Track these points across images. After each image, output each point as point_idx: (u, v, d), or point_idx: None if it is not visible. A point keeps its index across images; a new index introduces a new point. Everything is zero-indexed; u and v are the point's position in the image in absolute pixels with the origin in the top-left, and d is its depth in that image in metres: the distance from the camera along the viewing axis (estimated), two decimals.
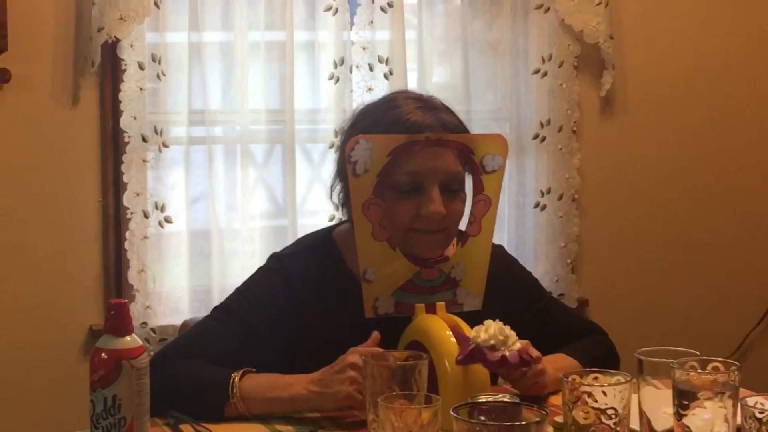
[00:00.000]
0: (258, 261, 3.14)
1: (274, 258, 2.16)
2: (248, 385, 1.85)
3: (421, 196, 1.91)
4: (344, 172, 1.92)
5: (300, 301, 2.05)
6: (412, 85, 3.26)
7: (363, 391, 1.64)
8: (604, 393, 1.46)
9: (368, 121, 2.01)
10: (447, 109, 2.06)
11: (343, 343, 1.90)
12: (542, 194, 3.39)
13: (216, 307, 2.12)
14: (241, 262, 3.16)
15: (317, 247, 2.16)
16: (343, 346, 1.90)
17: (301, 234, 2.88)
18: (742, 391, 1.49)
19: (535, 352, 1.81)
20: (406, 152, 1.89)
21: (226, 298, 2.11)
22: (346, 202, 2.04)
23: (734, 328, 3.57)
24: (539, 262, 3.38)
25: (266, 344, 2.03)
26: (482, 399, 1.57)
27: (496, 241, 2.02)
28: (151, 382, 1.62)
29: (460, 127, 2.02)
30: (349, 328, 1.97)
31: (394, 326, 1.86)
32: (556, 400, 1.56)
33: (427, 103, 2.03)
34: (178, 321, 2.66)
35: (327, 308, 2.06)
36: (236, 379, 1.85)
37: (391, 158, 1.86)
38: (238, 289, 2.12)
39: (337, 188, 2.06)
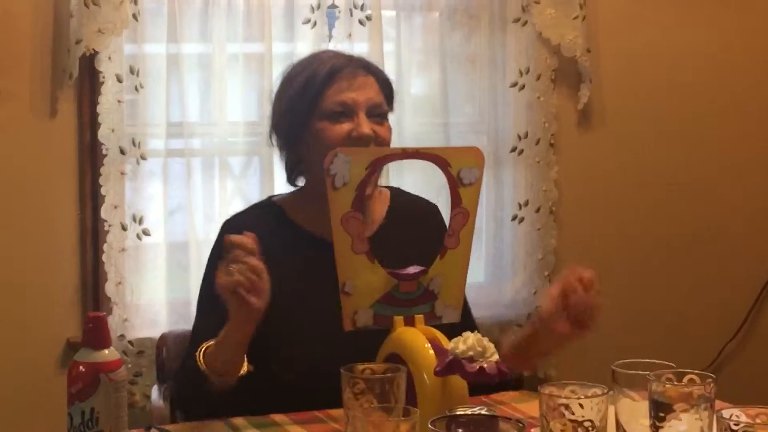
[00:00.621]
0: None
1: (222, 223, 2.33)
2: (207, 357, 1.98)
3: (351, 122, 2.14)
4: (285, 139, 2.26)
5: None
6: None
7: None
8: (581, 405, 1.47)
9: (286, 80, 2.30)
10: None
11: (293, 286, 2.12)
12: (520, 207, 3.40)
13: (198, 301, 2.27)
14: None
15: (259, 205, 2.40)
16: (293, 290, 2.12)
17: None
18: (718, 404, 1.50)
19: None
20: (337, 88, 2.18)
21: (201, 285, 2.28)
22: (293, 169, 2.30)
23: (710, 341, 3.59)
24: (517, 275, 3.39)
25: None
26: (460, 411, 1.57)
27: (473, 254, 2.04)
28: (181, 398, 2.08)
29: (379, 70, 2.33)
30: (297, 272, 2.17)
31: (373, 339, 1.87)
32: (532, 411, 1.56)
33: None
34: (156, 334, 2.65)
35: (274, 254, 2.05)
36: (199, 358, 1.98)
37: (368, 170, 1.87)
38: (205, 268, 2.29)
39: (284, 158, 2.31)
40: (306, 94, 2.19)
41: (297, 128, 2.21)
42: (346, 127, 2.15)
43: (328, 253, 2.04)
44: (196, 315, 2.27)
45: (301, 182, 2.30)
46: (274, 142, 2.30)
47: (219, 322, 2.02)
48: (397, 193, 2.38)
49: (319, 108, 2.17)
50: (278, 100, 2.30)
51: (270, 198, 2.40)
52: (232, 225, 2.26)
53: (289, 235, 2.25)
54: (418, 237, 2.23)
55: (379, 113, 2.21)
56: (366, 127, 2.15)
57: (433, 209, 2.40)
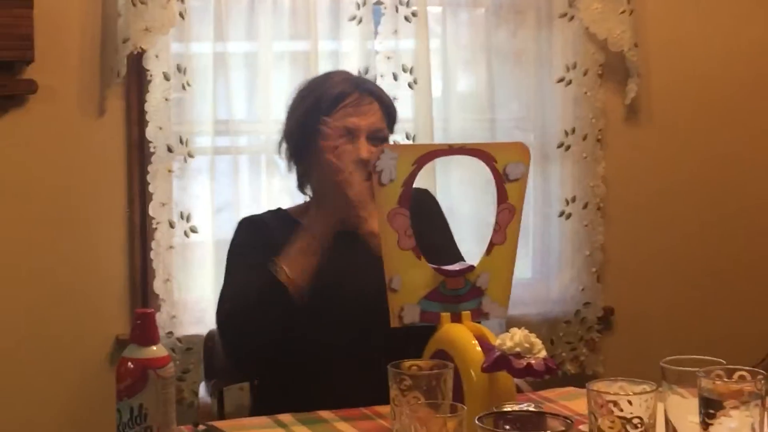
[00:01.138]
0: None
1: (239, 221, 2.55)
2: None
3: (352, 144, 2.27)
4: (293, 151, 2.41)
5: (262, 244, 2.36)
6: (437, 94, 3.27)
7: None
8: (630, 402, 1.46)
9: (298, 97, 2.43)
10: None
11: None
12: (567, 203, 3.39)
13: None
14: None
15: (270, 211, 2.55)
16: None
17: None
18: None
19: None
20: (342, 113, 2.31)
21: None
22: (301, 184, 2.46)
23: (761, 337, 3.56)
24: (564, 271, 3.38)
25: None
26: (507, 408, 1.57)
27: (520, 251, 2.04)
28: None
29: (384, 96, 2.43)
30: None
31: (420, 335, 1.88)
32: (580, 408, 1.55)
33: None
34: (203, 330, 2.66)
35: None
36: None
37: (415, 167, 1.87)
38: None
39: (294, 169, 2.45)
40: (314, 115, 2.30)
41: (305, 144, 2.35)
42: (348, 149, 2.27)
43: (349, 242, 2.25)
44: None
45: (309, 191, 2.44)
46: (283, 151, 2.44)
47: None
48: None
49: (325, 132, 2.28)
50: (290, 114, 2.43)
51: (279, 209, 2.52)
52: (250, 220, 2.52)
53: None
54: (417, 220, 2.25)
55: (380, 137, 2.32)
56: (365, 151, 2.27)
57: (423, 196, 2.48)
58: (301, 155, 2.41)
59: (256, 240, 2.43)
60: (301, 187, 2.46)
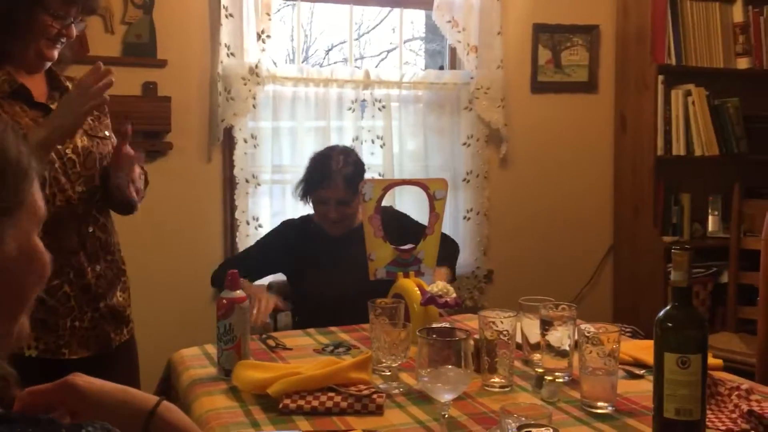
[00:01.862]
0: None
1: (282, 222, 2.59)
2: None
3: (327, 207, 2.33)
4: (307, 185, 2.40)
5: (289, 235, 2.45)
6: (396, 151, 3.26)
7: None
8: (501, 322, 1.47)
9: (312, 159, 2.45)
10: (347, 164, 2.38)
11: (311, 258, 2.36)
12: (468, 212, 3.39)
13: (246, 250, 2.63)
14: None
15: (301, 216, 2.55)
16: (311, 261, 2.36)
17: None
18: (579, 321, 1.50)
19: None
20: (323, 189, 2.32)
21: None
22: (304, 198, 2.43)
23: (575, 284, 3.58)
24: (466, 250, 3.38)
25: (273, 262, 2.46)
26: (434, 325, 1.58)
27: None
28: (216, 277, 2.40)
29: (355, 171, 2.37)
30: (319, 253, 2.36)
31: (386, 285, 1.88)
32: (475, 326, 1.56)
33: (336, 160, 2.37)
34: (264, 282, 2.65)
35: (307, 243, 2.39)
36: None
37: (383, 191, 1.87)
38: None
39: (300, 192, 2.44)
40: (309, 182, 2.38)
41: (306, 196, 2.41)
42: (323, 209, 2.34)
43: (339, 244, 2.34)
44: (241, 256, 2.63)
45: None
46: (297, 190, 2.44)
47: (250, 260, 2.43)
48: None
49: (313, 196, 2.37)
50: (305, 171, 2.43)
51: (309, 215, 2.49)
52: (287, 223, 2.55)
53: (315, 232, 2.40)
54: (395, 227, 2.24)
55: (344, 202, 2.31)
56: (332, 213, 2.31)
57: (389, 211, 2.42)
58: (306, 199, 2.43)
59: (282, 234, 2.47)
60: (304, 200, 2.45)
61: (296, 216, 2.61)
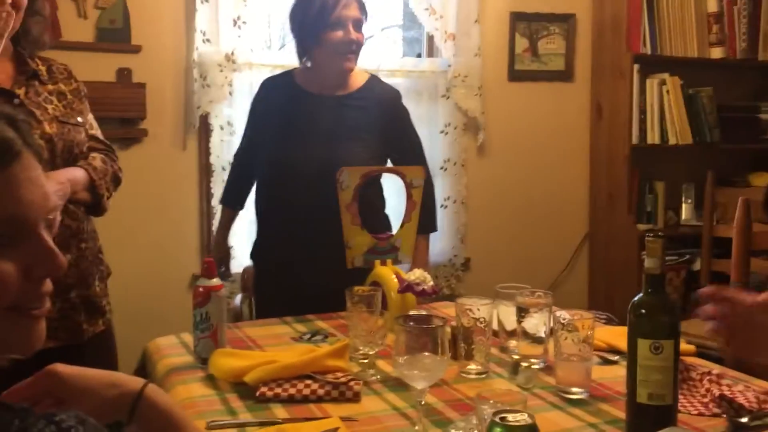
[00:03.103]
0: None
1: (262, 81, 2.29)
2: None
3: (344, 30, 2.06)
4: (308, 26, 2.07)
5: (265, 100, 2.21)
6: None
7: None
8: (478, 309, 1.48)
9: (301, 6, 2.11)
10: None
11: (290, 132, 2.09)
12: (445, 200, 3.40)
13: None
14: None
15: (283, 72, 2.29)
16: (289, 136, 2.08)
17: None
18: (554, 308, 1.51)
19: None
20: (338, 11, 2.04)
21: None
22: (299, 52, 2.14)
23: (551, 271, 3.61)
24: (443, 238, 3.39)
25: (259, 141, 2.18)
26: (412, 313, 1.58)
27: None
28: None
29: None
30: (295, 122, 2.11)
31: (364, 273, 1.88)
32: (452, 313, 1.57)
33: None
34: (240, 269, 2.60)
35: (282, 107, 2.13)
36: None
37: (360, 179, 1.86)
38: None
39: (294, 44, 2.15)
40: (321, 14, 2.05)
41: (312, 34, 2.08)
42: (340, 34, 2.05)
43: (317, 104, 2.10)
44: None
45: (309, 63, 2.16)
46: (291, 41, 2.17)
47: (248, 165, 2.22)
48: (372, 76, 2.26)
49: (327, 23, 2.04)
50: (297, 13, 2.12)
51: (292, 69, 2.23)
52: (266, 82, 2.27)
53: (293, 93, 2.16)
54: (379, 112, 2.15)
55: (359, 25, 2.09)
56: (353, 34, 2.06)
57: (395, 94, 2.25)
58: (307, 43, 2.11)
59: (262, 97, 2.22)
60: (301, 61, 2.16)
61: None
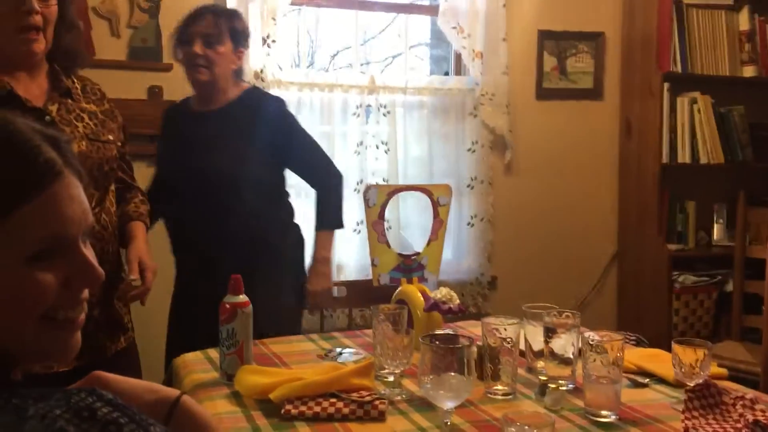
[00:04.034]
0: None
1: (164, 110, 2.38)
2: None
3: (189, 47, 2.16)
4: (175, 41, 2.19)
5: (162, 128, 2.33)
6: (401, 157, 3.25)
7: None
8: (505, 329, 1.46)
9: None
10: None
11: (180, 149, 2.18)
12: (472, 218, 3.39)
13: None
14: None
15: (182, 99, 2.35)
16: (178, 153, 2.18)
17: (339, 242, 2.93)
18: (582, 329, 1.49)
19: None
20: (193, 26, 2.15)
21: None
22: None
23: (578, 291, 3.58)
24: (470, 256, 3.39)
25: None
26: (438, 332, 1.57)
27: (447, 247, 2.06)
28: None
29: (229, 13, 2.25)
30: (184, 138, 2.20)
31: (390, 291, 1.87)
32: (478, 332, 1.55)
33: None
34: None
35: (176, 126, 2.25)
36: None
37: (387, 197, 1.87)
38: None
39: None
40: (176, 31, 2.20)
41: (173, 51, 2.23)
42: (187, 48, 2.15)
43: (196, 119, 2.20)
44: None
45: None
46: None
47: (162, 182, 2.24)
48: (251, 89, 2.33)
49: (180, 39, 2.17)
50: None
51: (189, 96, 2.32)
52: (168, 108, 2.39)
53: (180, 115, 2.27)
54: (260, 121, 2.21)
55: (210, 41, 2.15)
56: (198, 48, 2.13)
57: (277, 101, 2.31)
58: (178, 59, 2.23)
59: (163, 122, 2.34)
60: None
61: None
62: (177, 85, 2.91)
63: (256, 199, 2.14)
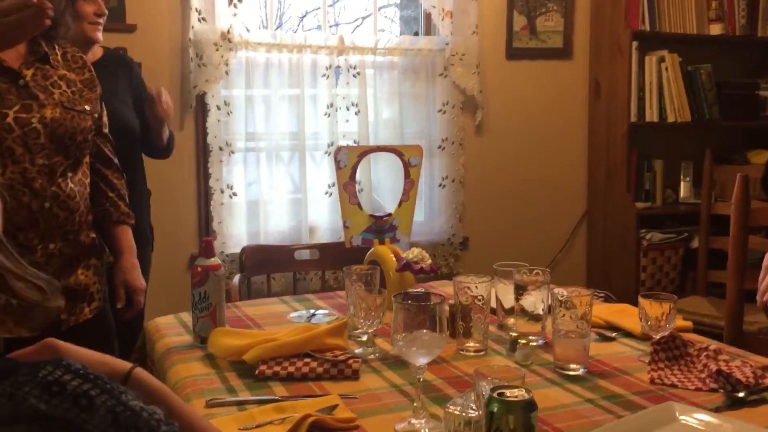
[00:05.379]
0: (286, 219, 3.15)
1: None
2: None
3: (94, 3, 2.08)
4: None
5: None
6: (371, 119, 3.23)
7: None
8: (476, 287, 1.48)
9: None
10: None
11: None
12: (443, 179, 3.40)
13: None
14: (275, 218, 3.15)
15: None
16: None
17: (310, 205, 2.92)
18: (552, 285, 1.51)
19: None
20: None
21: None
22: None
23: (549, 248, 3.62)
24: (441, 216, 3.41)
25: None
26: (410, 291, 1.58)
27: (418, 209, 2.05)
28: None
29: None
30: None
31: (362, 252, 1.88)
32: (450, 292, 1.57)
33: None
34: (238, 249, 2.64)
35: None
36: None
37: (358, 158, 1.86)
38: None
39: None
40: None
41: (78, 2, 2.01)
42: (91, 7, 2.05)
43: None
44: None
45: None
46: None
47: None
48: (106, 49, 2.29)
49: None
50: None
51: None
52: None
53: None
54: (121, 77, 2.24)
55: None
56: (103, 5, 2.08)
57: (126, 60, 2.34)
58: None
59: None
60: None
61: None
62: (142, 46, 2.87)
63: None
